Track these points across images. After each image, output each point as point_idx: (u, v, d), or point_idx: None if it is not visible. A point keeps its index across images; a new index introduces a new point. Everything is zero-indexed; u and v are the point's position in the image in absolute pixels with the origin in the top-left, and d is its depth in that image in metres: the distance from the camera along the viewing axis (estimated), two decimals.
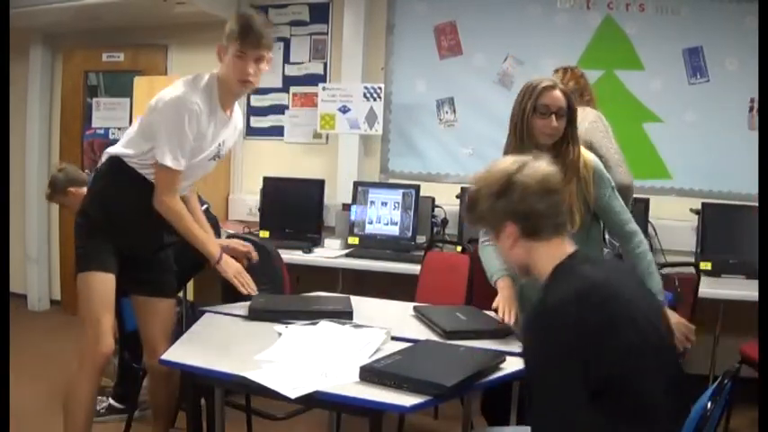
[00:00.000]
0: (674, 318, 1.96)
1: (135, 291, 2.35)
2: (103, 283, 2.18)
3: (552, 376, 1.33)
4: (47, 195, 3.26)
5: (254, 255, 2.43)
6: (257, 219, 4.27)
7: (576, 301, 1.33)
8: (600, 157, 2.47)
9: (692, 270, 2.94)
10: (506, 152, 2.11)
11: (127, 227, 2.24)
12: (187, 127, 2.09)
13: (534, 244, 1.50)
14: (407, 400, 1.46)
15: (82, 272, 2.19)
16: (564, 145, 2.10)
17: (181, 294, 3.95)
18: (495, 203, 1.50)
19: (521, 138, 2.09)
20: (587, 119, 2.81)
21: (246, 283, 2.26)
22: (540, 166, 1.51)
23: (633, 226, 2.15)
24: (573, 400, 1.30)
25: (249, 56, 2.14)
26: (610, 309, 1.33)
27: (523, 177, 1.49)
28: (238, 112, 2.39)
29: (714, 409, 1.34)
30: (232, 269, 2.26)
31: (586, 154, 2.15)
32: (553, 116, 2.06)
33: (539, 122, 2.07)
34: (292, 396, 1.48)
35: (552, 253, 1.48)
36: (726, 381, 1.39)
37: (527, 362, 1.43)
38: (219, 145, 2.30)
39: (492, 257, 2.20)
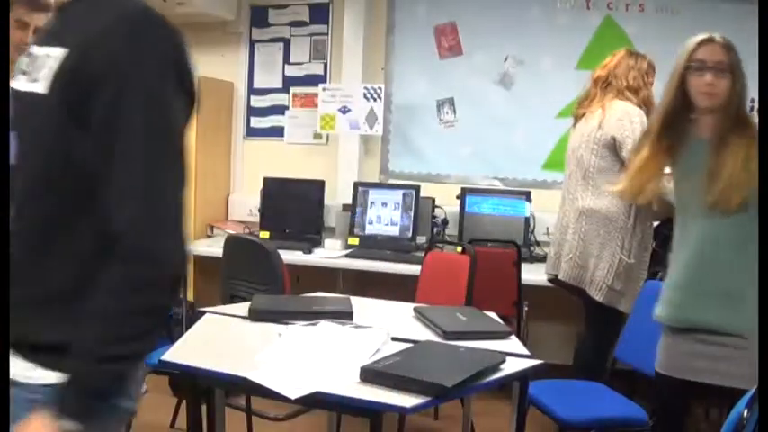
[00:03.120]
0: None
1: None
2: None
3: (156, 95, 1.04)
4: None
5: None
6: (257, 219, 4.27)
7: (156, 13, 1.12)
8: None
9: None
10: (660, 115, 1.92)
11: None
12: None
13: None
14: (408, 400, 1.46)
15: None
16: (733, 116, 1.81)
17: (181, 295, 3.96)
18: None
19: (677, 100, 1.87)
20: (619, 112, 2.67)
21: None
22: None
23: None
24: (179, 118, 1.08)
25: None
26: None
27: None
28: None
29: (750, 416, 1.32)
30: None
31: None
32: (708, 72, 1.83)
33: (694, 81, 1.84)
34: (292, 396, 1.48)
35: None
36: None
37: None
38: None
39: None
